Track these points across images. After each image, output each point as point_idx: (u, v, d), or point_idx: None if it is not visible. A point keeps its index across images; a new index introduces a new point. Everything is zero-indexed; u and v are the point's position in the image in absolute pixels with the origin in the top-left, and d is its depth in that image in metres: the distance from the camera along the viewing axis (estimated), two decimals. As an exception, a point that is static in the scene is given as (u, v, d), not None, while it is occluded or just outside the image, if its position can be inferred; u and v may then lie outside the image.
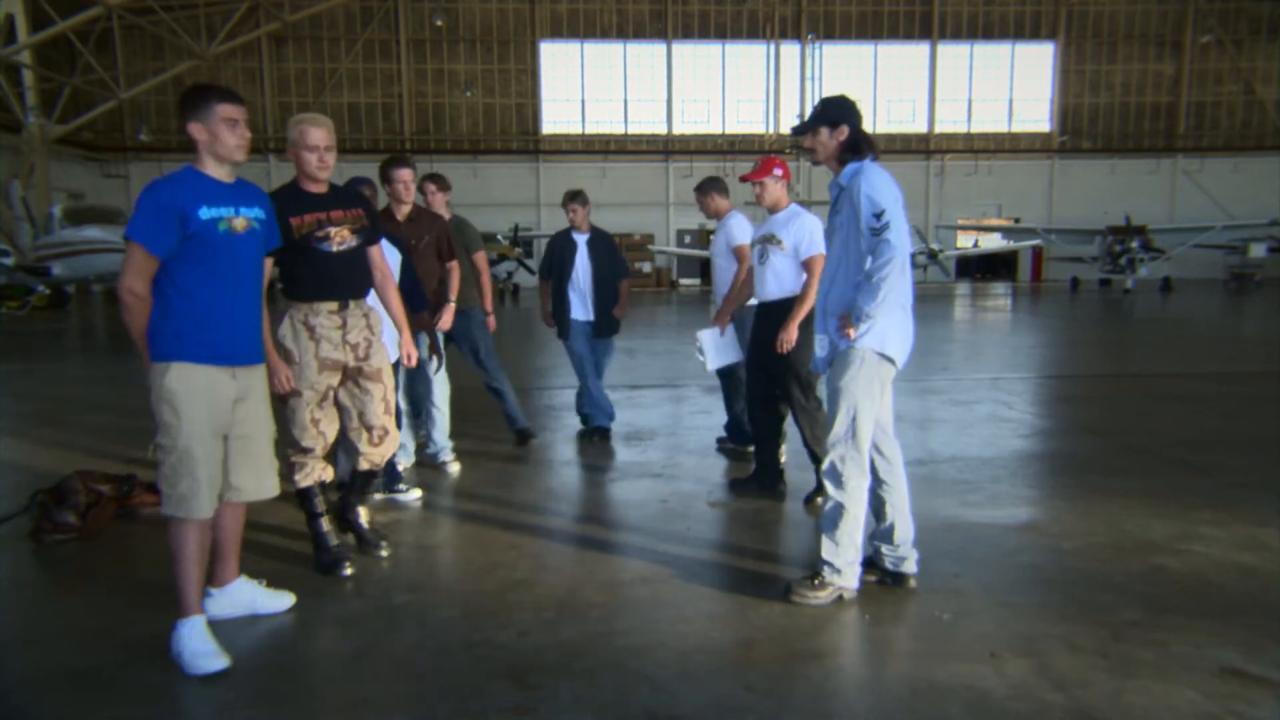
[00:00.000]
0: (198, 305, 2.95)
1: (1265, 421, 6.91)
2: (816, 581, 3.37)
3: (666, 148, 34.62)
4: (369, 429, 3.78)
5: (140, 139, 30.99)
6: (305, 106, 33.28)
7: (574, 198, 6.27)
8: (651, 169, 34.42)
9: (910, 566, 3.53)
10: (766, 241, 4.73)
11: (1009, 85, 35.64)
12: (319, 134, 3.53)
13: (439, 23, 33.18)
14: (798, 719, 2.59)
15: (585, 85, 34.70)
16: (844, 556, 3.36)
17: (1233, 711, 2.56)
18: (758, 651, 3.01)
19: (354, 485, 3.99)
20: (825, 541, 3.38)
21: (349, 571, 3.67)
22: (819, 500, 4.62)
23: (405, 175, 4.98)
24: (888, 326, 3.33)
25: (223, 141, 2.97)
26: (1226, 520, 4.29)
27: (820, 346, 3.51)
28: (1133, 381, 9.38)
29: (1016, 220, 34.26)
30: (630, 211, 33.31)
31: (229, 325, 3.02)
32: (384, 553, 3.91)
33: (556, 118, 34.73)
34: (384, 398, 3.76)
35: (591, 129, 34.84)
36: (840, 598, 3.37)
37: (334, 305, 3.61)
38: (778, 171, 4.74)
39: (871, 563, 3.58)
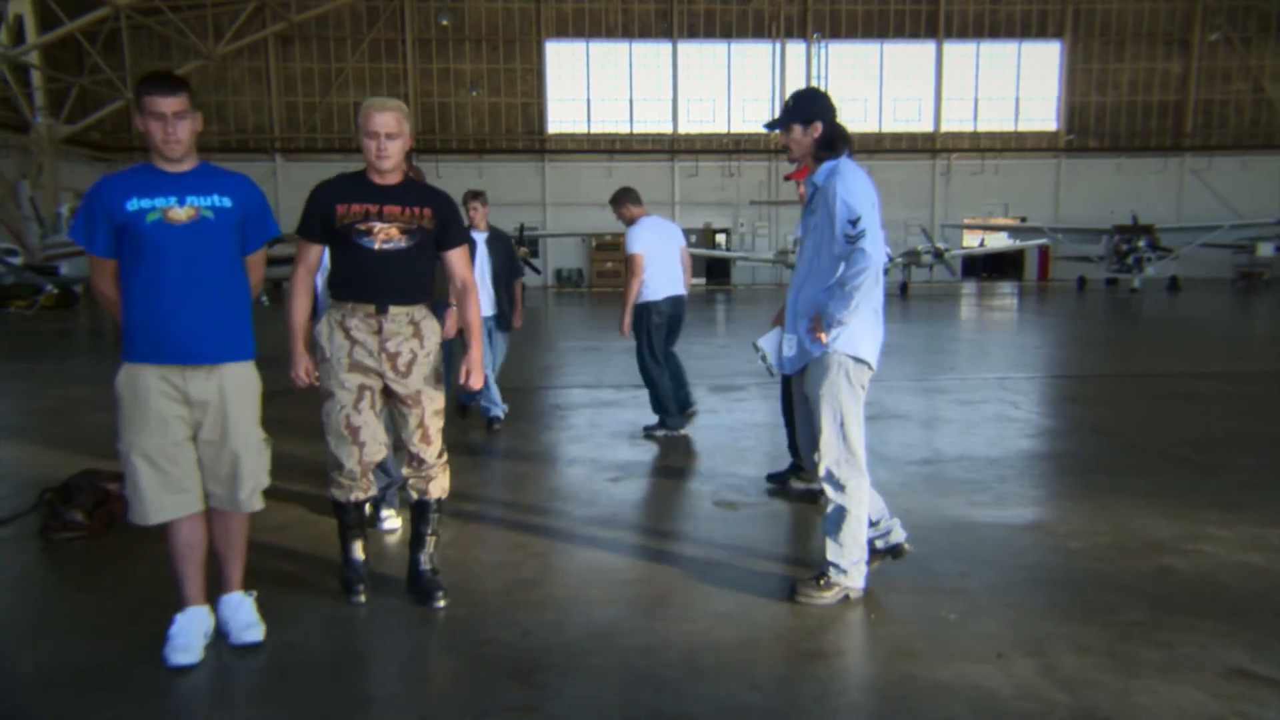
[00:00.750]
0: (138, 301, 2.86)
1: (1273, 421, 6.89)
2: (822, 582, 3.37)
3: (672, 147, 34.60)
4: (408, 454, 3.41)
5: (147, 139, 31.05)
6: (311, 106, 33.40)
7: (475, 197, 6.66)
8: (657, 168, 34.39)
9: (899, 535, 3.57)
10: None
11: (1015, 84, 35.53)
12: (382, 119, 3.15)
13: (445, 22, 33.22)
14: (804, 719, 2.59)
15: (590, 85, 34.69)
16: (849, 557, 3.36)
17: (1239, 712, 2.55)
18: (764, 651, 3.01)
19: (412, 519, 3.53)
20: (829, 543, 3.37)
21: (359, 599, 3.41)
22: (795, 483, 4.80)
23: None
24: (858, 330, 3.31)
25: (150, 136, 2.81)
26: (1233, 520, 4.28)
27: (788, 346, 3.47)
28: (1139, 381, 9.35)
29: (1023, 219, 34.16)
30: (636, 211, 33.26)
31: (173, 320, 2.84)
32: (440, 603, 3.36)
33: (562, 117, 34.73)
34: (421, 424, 3.33)
35: (597, 128, 34.84)
36: (846, 597, 3.37)
37: (370, 308, 3.22)
38: None
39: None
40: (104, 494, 4.29)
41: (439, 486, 3.47)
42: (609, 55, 34.57)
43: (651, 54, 34.59)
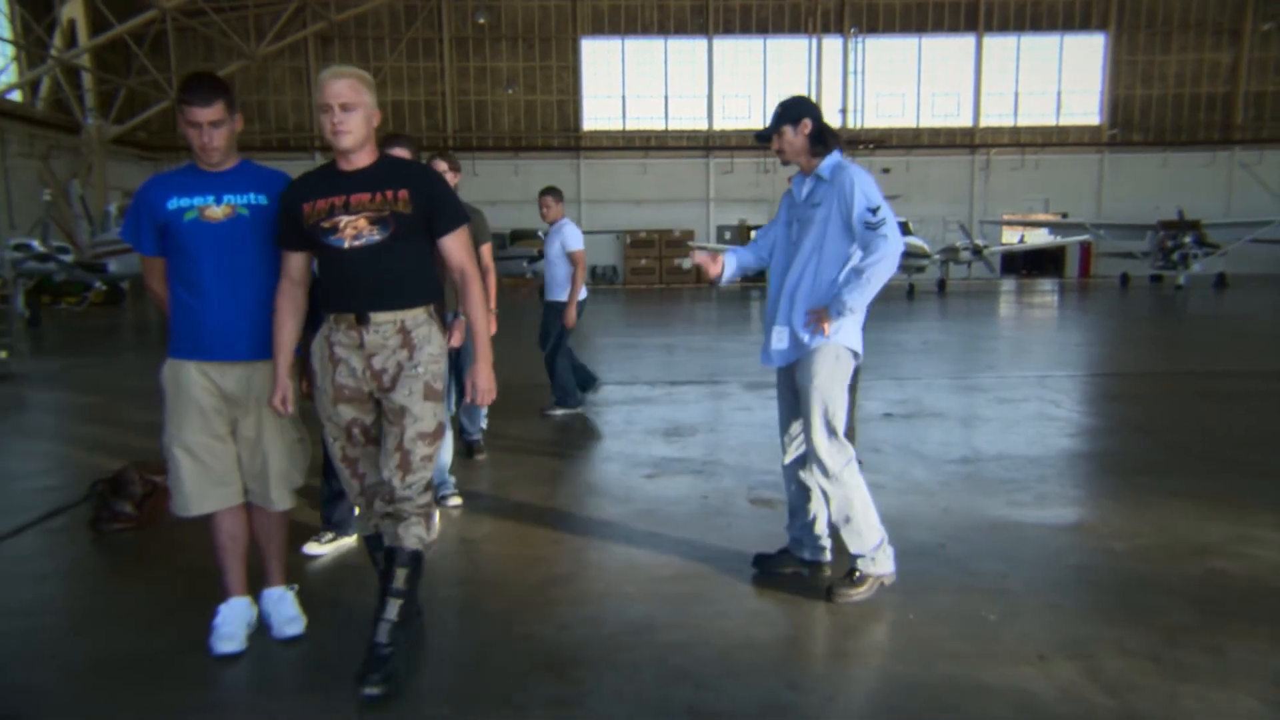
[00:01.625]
0: (179, 298, 2.94)
1: (1326, 422, 6.70)
2: (855, 577, 3.36)
3: (707, 143, 34.47)
4: (380, 479, 2.86)
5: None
6: (350, 105, 33.77)
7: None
8: (692, 165, 34.30)
9: (826, 555, 3.61)
10: None
11: (1057, 77, 34.85)
12: (334, 88, 2.69)
13: (481, 21, 33.40)
14: (842, 718, 2.57)
15: (626, 81, 34.69)
16: (870, 542, 3.37)
17: (1293, 720, 2.49)
18: (801, 650, 3.00)
19: (383, 569, 2.90)
20: (848, 536, 3.37)
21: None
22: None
23: (400, 154, 3.89)
24: (854, 321, 3.36)
25: (189, 141, 2.89)
26: (1285, 523, 4.17)
27: (778, 339, 3.45)
28: (1184, 380, 9.14)
29: (1064, 215, 33.54)
30: (670, 208, 33.26)
31: (209, 316, 2.89)
32: (371, 690, 2.62)
33: (597, 114, 34.76)
34: (400, 446, 2.78)
35: (632, 125, 34.81)
36: (881, 585, 3.36)
37: (350, 318, 2.77)
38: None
39: (787, 553, 3.65)
40: (152, 486, 4.38)
41: (414, 535, 2.81)
42: (644, 52, 34.53)
43: (687, 50, 34.50)
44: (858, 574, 3.36)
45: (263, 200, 2.95)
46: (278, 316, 2.90)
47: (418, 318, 2.83)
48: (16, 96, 26.18)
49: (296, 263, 2.88)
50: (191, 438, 2.93)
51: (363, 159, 2.79)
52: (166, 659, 2.94)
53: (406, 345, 2.79)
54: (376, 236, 2.74)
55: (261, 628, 3.12)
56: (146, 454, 5.06)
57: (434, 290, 2.90)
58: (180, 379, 2.95)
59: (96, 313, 20.05)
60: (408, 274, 2.81)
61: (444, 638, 3.12)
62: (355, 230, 2.73)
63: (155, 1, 24.52)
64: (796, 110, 3.43)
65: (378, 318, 2.76)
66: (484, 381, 2.92)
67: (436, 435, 2.84)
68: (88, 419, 7.41)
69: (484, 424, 5.99)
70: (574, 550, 4.00)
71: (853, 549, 3.37)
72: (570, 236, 6.95)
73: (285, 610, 3.15)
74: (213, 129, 2.85)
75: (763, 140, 3.53)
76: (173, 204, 2.90)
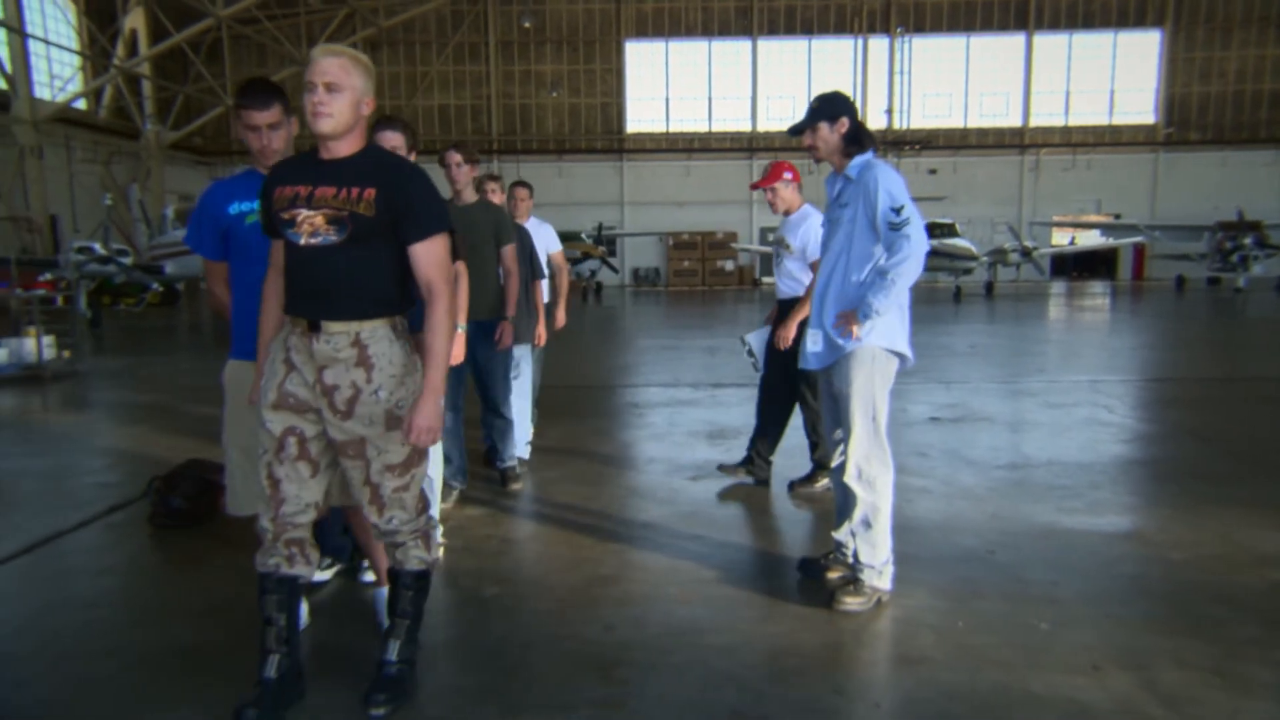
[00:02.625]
0: (240, 301, 3.01)
1: (1397, 430, 6.45)
2: (859, 586, 3.34)
3: (751, 145, 34.36)
4: (365, 515, 2.63)
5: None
6: (397, 109, 34.27)
7: (493, 179, 6.44)
8: (735, 166, 34.21)
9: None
10: (778, 244, 4.94)
11: (1110, 76, 34.11)
12: (322, 65, 2.42)
13: (527, 25, 33.72)
14: (888, 725, 2.54)
15: (670, 83, 34.73)
16: (881, 556, 3.34)
17: (1362, 738, 2.40)
18: (848, 655, 2.97)
19: (389, 591, 2.77)
20: (863, 544, 3.34)
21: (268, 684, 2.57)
22: (817, 487, 4.85)
23: (391, 139, 3.47)
24: (893, 321, 3.30)
25: (248, 144, 2.96)
26: (1353, 535, 4.02)
27: (813, 341, 3.41)
28: (1243, 385, 8.87)
29: (1117, 216, 32.78)
30: (713, 209, 33.21)
31: None
32: (378, 710, 2.58)
33: (641, 116, 34.86)
34: (368, 482, 2.53)
35: (675, 127, 34.85)
36: (879, 601, 3.33)
37: (304, 324, 2.48)
38: (788, 175, 4.84)
39: (833, 556, 3.56)
40: (205, 484, 4.49)
41: (414, 557, 2.67)
42: (688, 54, 34.55)
43: (731, 51, 34.45)
44: (863, 584, 3.33)
45: None
46: (262, 307, 2.71)
47: (376, 331, 2.49)
48: (81, 105, 27.09)
49: (279, 251, 2.63)
50: (249, 439, 2.97)
51: (344, 148, 2.48)
52: (217, 653, 3.01)
53: (363, 363, 2.46)
54: (332, 238, 2.43)
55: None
56: (202, 452, 5.19)
57: (402, 302, 2.57)
58: (239, 380, 3.02)
59: (153, 313, 20.63)
60: (365, 282, 2.48)
61: (488, 638, 3.15)
62: (311, 227, 2.44)
63: (212, 10, 25.17)
64: (834, 107, 3.38)
65: (330, 327, 2.45)
66: (424, 419, 2.44)
67: (408, 465, 2.56)
68: (146, 417, 7.61)
69: (521, 451, 5.34)
70: (618, 551, 4.00)
71: (863, 558, 3.34)
72: (552, 236, 6.12)
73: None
74: (271, 131, 2.93)
75: (795, 134, 3.48)
76: (234, 208, 2.98)
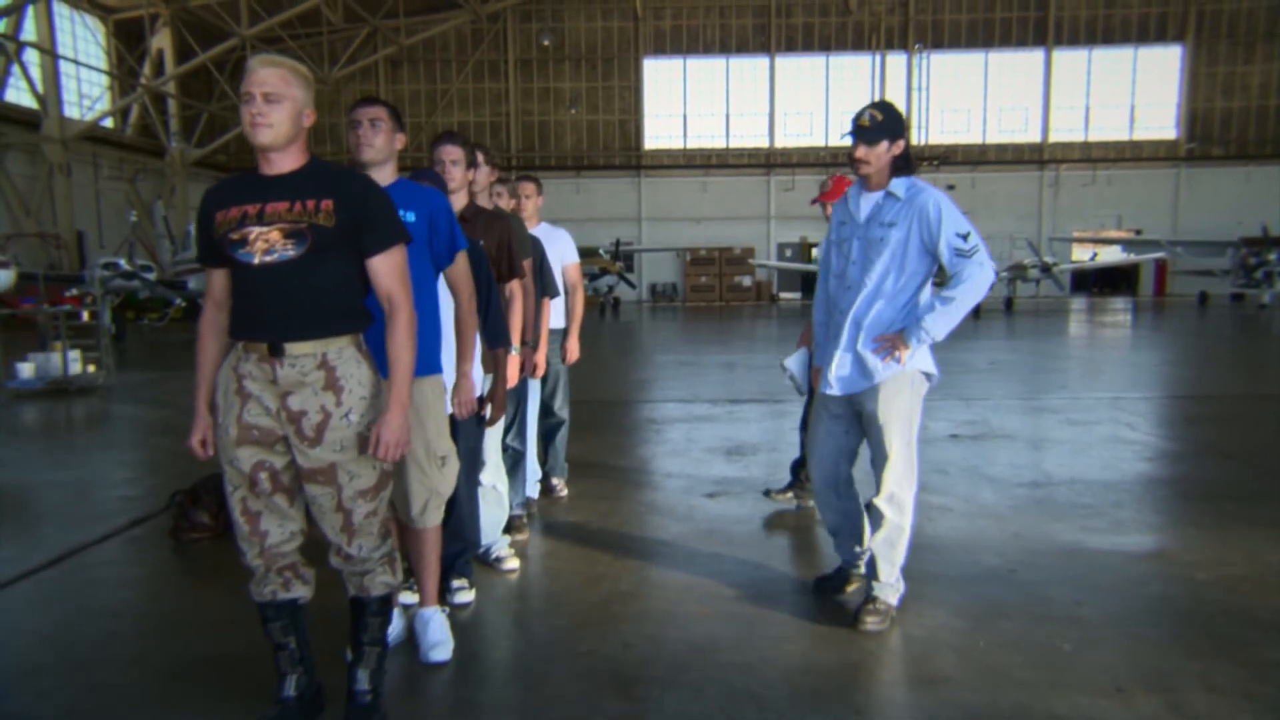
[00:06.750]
0: None
1: None
2: (878, 605, 3.32)
3: (768, 161, 34.42)
4: (330, 544, 2.52)
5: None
6: (418, 126, 34.63)
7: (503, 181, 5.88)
8: (753, 183, 34.27)
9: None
10: None
11: (1130, 91, 33.91)
12: (260, 75, 2.34)
13: (546, 43, 34.02)
14: (909, 746, 2.52)
15: (687, 100, 34.89)
16: (894, 574, 3.35)
17: (1395, 764, 2.35)
18: (867, 674, 2.95)
19: (351, 621, 2.62)
20: (883, 562, 3.33)
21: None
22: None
23: (451, 153, 3.55)
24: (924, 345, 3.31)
25: (351, 144, 3.04)
26: (1384, 556, 3.95)
27: (840, 365, 3.33)
28: (1269, 402, 8.75)
29: (1138, 232, 32.52)
30: (731, 225, 33.26)
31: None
32: None
33: (659, 133, 35.01)
34: (339, 508, 2.43)
35: (693, 143, 34.97)
36: (891, 618, 3.31)
37: (262, 348, 2.35)
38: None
39: (843, 570, 3.63)
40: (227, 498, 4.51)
41: (380, 583, 2.56)
42: (706, 70, 34.71)
43: (749, 68, 34.56)
44: (881, 603, 3.32)
45: (411, 218, 2.93)
46: (199, 343, 2.52)
47: (343, 350, 2.39)
48: (109, 123, 27.58)
49: (219, 281, 2.48)
50: None
51: (287, 162, 2.39)
52: (240, 665, 3.02)
53: (330, 385, 2.36)
54: (290, 252, 2.31)
55: (410, 647, 3.11)
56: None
57: (363, 317, 2.47)
58: None
59: (177, 328, 20.87)
60: (329, 297, 2.38)
61: (506, 654, 3.15)
62: (267, 244, 2.31)
63: (236, 30, 25.58)
64: (898, 125, 3.26)
65: (294, 349, 2.33)
66: (391, 433, 2.36)
67: (379, 488, 2.47)
68: (168, 431, 7.69)
69: (530, 493, 4.76)
70: (636, 568, 4.00)
71: (882, 576, 3.33)
72: (571, 246, 5.21)
73: (434, 634, 3.08)
74: (373, 128, 3.06)
75: (862, 138, 3.23)
76: None
